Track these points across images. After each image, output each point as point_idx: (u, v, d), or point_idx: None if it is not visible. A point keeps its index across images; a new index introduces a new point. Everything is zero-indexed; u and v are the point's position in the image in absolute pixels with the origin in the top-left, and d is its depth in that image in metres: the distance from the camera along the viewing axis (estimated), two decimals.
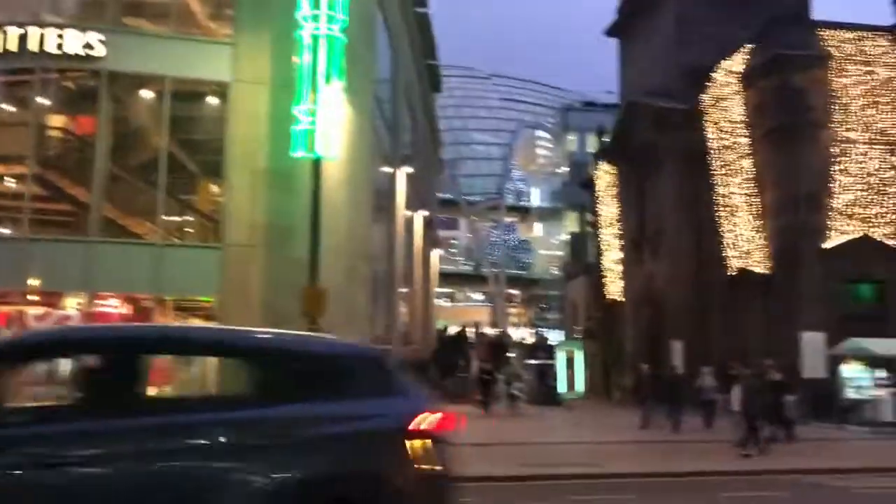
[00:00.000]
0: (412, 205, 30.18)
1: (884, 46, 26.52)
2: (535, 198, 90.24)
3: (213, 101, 18.03)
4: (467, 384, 27.62)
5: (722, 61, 29.11)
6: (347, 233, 17.74)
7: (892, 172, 26.01)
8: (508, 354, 30.98)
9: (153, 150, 17.71)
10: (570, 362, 41.40)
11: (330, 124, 15.65)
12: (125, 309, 17.17)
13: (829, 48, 26.24)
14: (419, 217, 32.17)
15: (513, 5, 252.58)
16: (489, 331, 49.86)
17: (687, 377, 23.34)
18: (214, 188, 18.80)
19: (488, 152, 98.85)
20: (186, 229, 19.75)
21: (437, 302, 55.43)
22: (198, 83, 17.99)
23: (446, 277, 69.34)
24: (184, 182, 18.72)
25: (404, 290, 28.97)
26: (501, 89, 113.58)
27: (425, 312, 36.64)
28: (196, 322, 17.36)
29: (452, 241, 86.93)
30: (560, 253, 78.62)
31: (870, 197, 25.91)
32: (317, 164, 15.16)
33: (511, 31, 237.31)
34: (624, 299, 37.16)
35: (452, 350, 36.13)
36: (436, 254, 44.17)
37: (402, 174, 25.91)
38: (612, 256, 38.88)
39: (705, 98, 29.76)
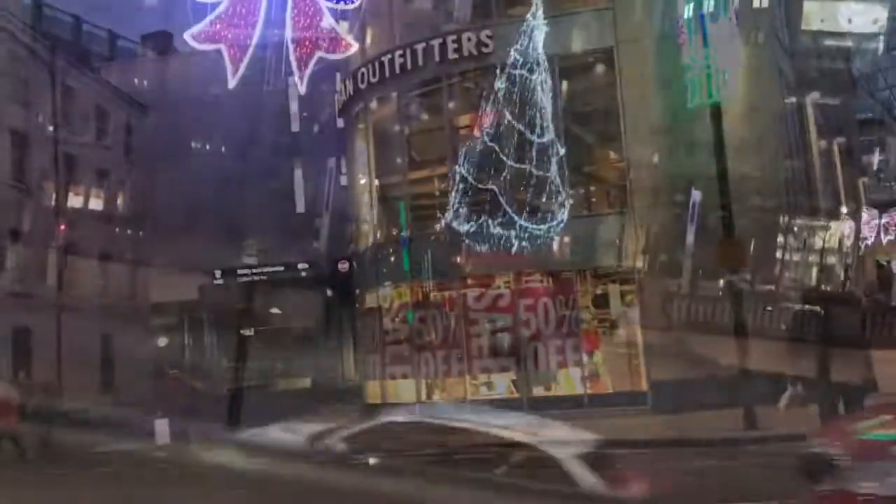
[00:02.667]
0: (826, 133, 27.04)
1: None
2: None
3: (600, 68, 18.10)
4: None
5: None
6: (754, 175, 16.60)
7: None
8: None
9: (549, 130, 18.22)
10: None
11: (724, 65, 14.70)
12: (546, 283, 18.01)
13: None
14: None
15: None
16: None
17: None
18: (612, 154, 18.83)
19: None
20: (592, 199, 20.06)
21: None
22: (584, 54, 18.15)
23: None
24: (582, 154, 18.87)
25: None
26: None
27: None
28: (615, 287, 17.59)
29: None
30: None
31: None
32: (716, 110, 14.37)
33: None
34: None
35: None
36: None
37: (810, 100, 23.39)
38: None
39: None
